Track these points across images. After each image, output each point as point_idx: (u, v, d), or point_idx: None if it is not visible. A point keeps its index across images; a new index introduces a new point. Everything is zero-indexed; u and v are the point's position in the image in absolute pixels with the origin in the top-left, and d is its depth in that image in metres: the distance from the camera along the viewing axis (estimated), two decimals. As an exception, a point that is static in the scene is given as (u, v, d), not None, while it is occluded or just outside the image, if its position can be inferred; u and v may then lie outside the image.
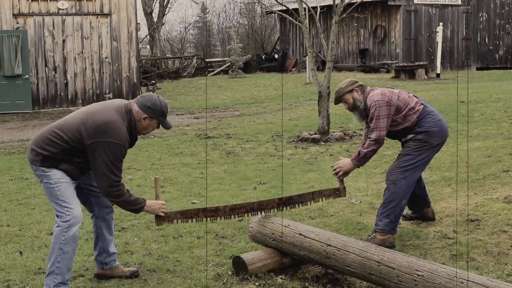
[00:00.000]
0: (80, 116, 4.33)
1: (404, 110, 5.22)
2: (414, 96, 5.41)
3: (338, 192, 5.26)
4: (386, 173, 5.38)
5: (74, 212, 4.31)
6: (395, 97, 5.23)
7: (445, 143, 5.45)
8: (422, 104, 5.32)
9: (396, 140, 5.63)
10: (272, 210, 5.01)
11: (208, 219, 4.71)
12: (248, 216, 4.98)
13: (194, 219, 4.67)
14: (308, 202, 5.15)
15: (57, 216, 4.34)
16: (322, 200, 5.25)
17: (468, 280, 3.63)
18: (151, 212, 4.50)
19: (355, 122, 5.50)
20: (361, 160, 5.25)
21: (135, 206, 4.37)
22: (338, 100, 5.47)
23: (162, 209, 4.48)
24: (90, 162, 4.26)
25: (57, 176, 4.32)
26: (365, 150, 5.19)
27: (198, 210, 4.73)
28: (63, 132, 4.29)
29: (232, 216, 4.81)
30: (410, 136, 5.26)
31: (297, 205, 5.09)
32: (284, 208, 5.05)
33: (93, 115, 4.26)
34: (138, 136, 4.49)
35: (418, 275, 3.85)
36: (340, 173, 5.28)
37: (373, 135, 5.17)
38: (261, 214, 4.94)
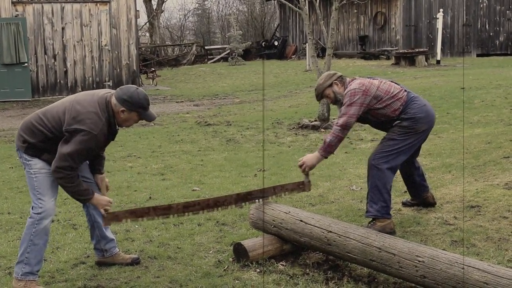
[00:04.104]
0: (64, 105, 4.29)
1: (384, 98, 5.09)
2: (396, 83, 5.29)
3: (303, 186, 5.06)
4: (368, 157, 5.24)
5: (47, 205, 4.28)
6: (374, 88, 5.10)
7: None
8: (406, 91, 5.21)
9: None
10: (229, 207, 4.84)
11: (160, 217, 4.62)
12: (203, 213, 4.82)
13: (144, 218, 4.56)
14: (270, 197, 5.00)
15: (32, 207, 4.32)
16: (285, 195, 5.07)
17: (468, 266, 3.63)
18: (96, 207, 4.44)
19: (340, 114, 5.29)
20: (326, 149, 5.02)
21: (81, 196, 4.31)
22: (319, 96, 5.35)
23: (107, 206, 4.40)
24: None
25: (37, 166, 4.29)
26: (331, 137, 4.99)
27: (149, 208, 4.60)
28: (48, 119, 4.27)
29: (186, 214, 4.69)
30: (396, 122, 5.15)
31: (257, 200, 4.92)
32: (243, 204, 4.91)
33: (75, 105, 4.23)
34: (127, 128, 4.39)
35: (419, 261, 3.86)
36: (304, 168, 5.05)
37: (341, 121, 5.00)
38: (217, 210, 4.80)
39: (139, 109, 4.25)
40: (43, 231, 4.30)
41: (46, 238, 4.38)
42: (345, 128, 5.00)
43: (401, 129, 5.11)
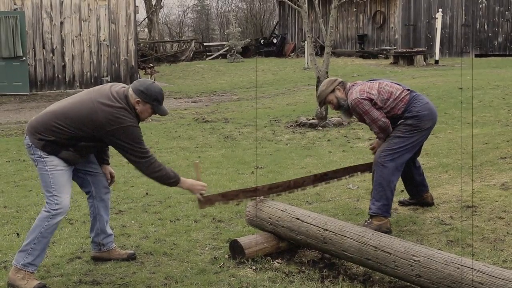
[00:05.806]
0: (87, 106, 4.29)
1: (389, 101, 5.17)
2: (398, 84, 5.34)
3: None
4: (374, 155, 5.32)
5: (63, 203, 4.33)
6: (375, 92, 5.17)
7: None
8: (408, 90, 5.27)
9: None
10: (307, 187, 5.39)
11: (247, 199, 4.93)
12: (285, 194, 5.23)
13: (234, 200, 4.88)
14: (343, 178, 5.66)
15: (47, 202, 4.37)
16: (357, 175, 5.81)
17: (464, 266, 3.64)
18: (191, 191, 4.62)
19: (344, 119, 5.51)
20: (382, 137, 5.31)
21: (171, 179, 4.46)
22: (322, 103, 5.48)
23: (202, 190, 4.59)
24: (115, 148, 4.40)
25: (53, 163, 4.32)
26: (382, 136, 5.27)
27: (238, 191, 4.93)
28: (72, 121, 4.26)
29: (270, 195, 5.04)
30: (400, 121, 5.22)
31: (331, 181, 5.59)
32: (319, 184, 5.50)
33: (101, 107, 4.25)
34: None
35: (415, 260, 3.86)
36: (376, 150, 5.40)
37: (375, 129, 5.22)
38: (297, 191, 5.32)
39: (153, 101, 4.39)
40: (54, 226, 4.37)
41: (53, 232, 4.44)
42: (384, 130, 5.20)
43: (406, 127, 5.18)
